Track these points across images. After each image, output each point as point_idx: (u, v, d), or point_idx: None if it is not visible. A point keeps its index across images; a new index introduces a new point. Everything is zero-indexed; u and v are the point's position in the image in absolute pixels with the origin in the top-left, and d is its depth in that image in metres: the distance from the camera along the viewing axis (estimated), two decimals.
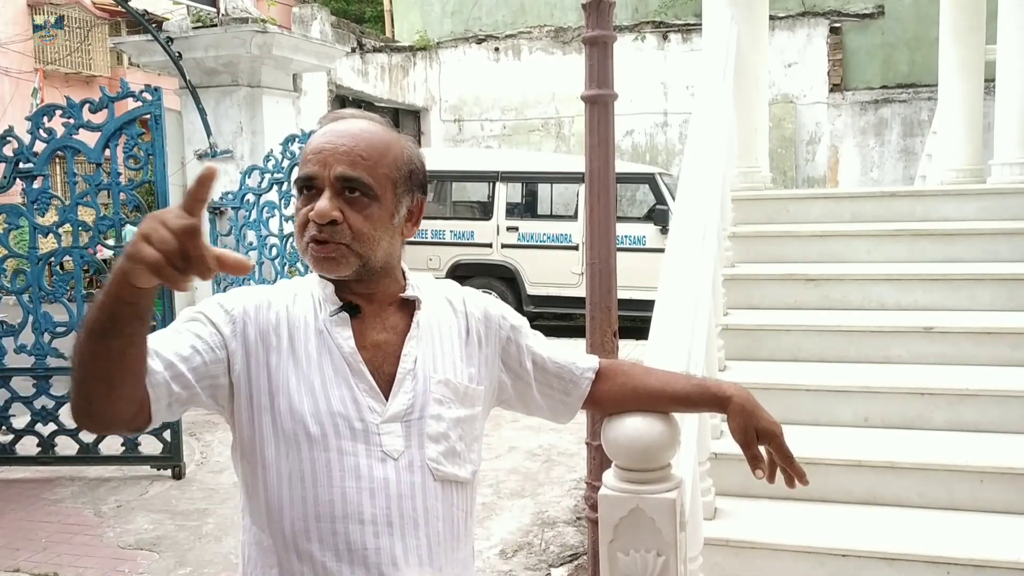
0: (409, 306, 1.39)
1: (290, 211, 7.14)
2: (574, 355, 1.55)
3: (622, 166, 10.19)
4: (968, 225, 4.46)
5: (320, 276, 1.35)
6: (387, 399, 1.31)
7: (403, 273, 1.41)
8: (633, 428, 1.54)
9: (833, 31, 13.54)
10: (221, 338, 1.29)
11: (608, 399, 1.53)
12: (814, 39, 13.55)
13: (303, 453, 1.27)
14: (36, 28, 18.01)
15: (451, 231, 10.51)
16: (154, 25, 8.43)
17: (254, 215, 7.41)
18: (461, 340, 1.43)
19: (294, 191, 1.37)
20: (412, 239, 1.41)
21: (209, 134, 8.41)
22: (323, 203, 1.27)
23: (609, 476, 1.68)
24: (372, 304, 1.36)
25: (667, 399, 1.51)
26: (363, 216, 1.29)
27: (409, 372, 1.33)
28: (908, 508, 3.04)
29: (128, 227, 5.94)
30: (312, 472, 1.27)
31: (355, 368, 1.31)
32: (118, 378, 1.11)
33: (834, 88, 13.53)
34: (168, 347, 1.23)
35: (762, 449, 1.46)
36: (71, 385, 1.13)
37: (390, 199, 1.32)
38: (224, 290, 7.92)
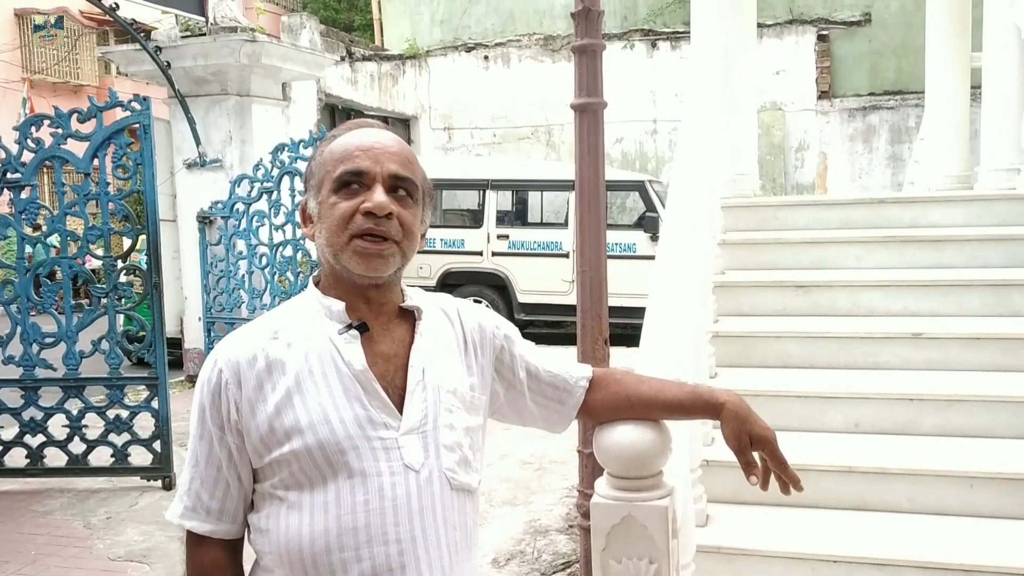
0: (409, 317, 1.38)
1: (280, 220, 7.11)
2: (567, 364, 1.55)
3: (612, 174, 10.13)
4: (957, 231, 4.48)
5: (359, 277, 1.31)
6: (400, 411, 1.30)
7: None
8: (624, 436, 1.54)
9: (821, 38, 13.63)
10: (230, 434, 1.30)
11: (601, 408, 1.53)
12: (802, 46, 13.63)
13: (328, 485, 1.25)
14: (36, 28, 18.01)
15: (441, 239, 10.51)
16: (142, 34, 8.41)
17: (243, 224, 7.39)
18: (460, 351, 1.42)
19: (323, 189, 1.32)
20: None
21: (198, 143, 8.40)
22: (380, 196, 1.28)
23: (601, 484, 1.68)
24: (380, 317, 1.35)
25: (660, 407, 1.51)
26: (410, 214, 1.32)
27: (419, 383, 1.32)
28: (898, 513, 3.04)
29: None
30: (336, 501, 1.24)
31: (367, 386, 1.28)
32: None
33: (822, 95, 13.61)
34: (214, 501, 1.36)
35: (756, 455, 1.46)
36: None
37: (420, 207, 1.37)
38: (214, 300, 7.89)
